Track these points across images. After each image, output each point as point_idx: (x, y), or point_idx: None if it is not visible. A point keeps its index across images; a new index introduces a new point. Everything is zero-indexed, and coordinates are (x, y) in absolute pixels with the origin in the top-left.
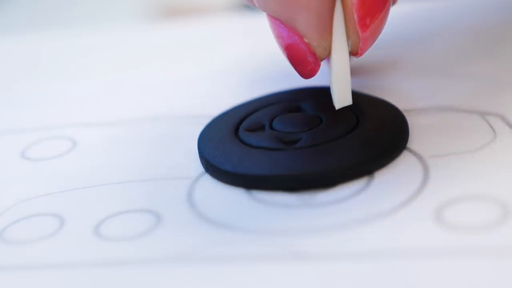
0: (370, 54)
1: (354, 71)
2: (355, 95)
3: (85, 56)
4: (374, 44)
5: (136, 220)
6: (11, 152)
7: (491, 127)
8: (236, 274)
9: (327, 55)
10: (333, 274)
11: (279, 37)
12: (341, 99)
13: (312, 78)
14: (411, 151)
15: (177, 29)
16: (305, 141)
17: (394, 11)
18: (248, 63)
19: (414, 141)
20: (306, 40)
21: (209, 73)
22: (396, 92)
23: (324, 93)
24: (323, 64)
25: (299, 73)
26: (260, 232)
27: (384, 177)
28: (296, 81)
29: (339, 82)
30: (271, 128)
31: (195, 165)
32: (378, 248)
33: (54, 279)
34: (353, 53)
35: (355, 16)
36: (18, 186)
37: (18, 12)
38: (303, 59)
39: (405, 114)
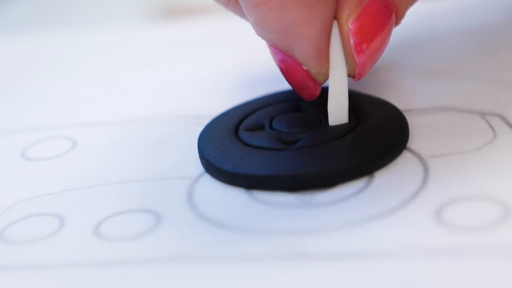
0: None
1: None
2: (355, 95)
3: (85, 56)
4: None
5: (136, 220)
6: (11, 152)
7: (491, 127)
8: (236, 274)
9: (327, 80)
10: (333, 274)
11: (278, 63)
12: (336, 117)
13: None
14: (411, 151)
15: (177, 29)
16: (305, 141)
17: None
18: (248, 63)
19: (414, 141)
20: (304, 68)
21: (209, 73)
22: (396, 92)
23: (323, 93)
24: None
25: (300, 95)
26: (260, 232)
27: (384, 177)
28: None
29: (335, 101)
30: (271, 128)
31: (195, 165)
32: (378, 248)
33: (54, 279)
34: (351, 76)
35: (352, 42)
36: (18, 186)
37: (18, 11)
38: (303, 84)
39: (405, 114)
